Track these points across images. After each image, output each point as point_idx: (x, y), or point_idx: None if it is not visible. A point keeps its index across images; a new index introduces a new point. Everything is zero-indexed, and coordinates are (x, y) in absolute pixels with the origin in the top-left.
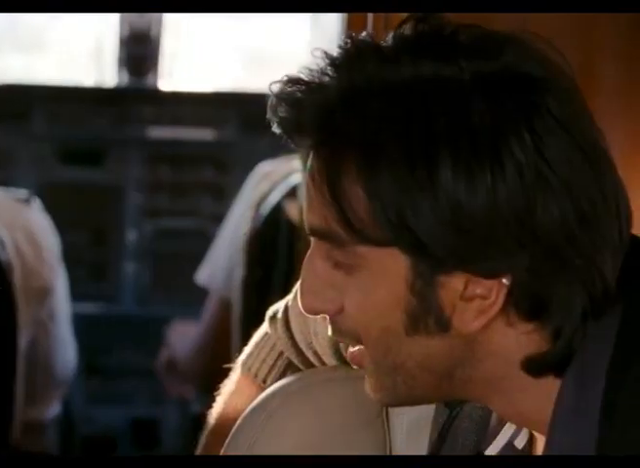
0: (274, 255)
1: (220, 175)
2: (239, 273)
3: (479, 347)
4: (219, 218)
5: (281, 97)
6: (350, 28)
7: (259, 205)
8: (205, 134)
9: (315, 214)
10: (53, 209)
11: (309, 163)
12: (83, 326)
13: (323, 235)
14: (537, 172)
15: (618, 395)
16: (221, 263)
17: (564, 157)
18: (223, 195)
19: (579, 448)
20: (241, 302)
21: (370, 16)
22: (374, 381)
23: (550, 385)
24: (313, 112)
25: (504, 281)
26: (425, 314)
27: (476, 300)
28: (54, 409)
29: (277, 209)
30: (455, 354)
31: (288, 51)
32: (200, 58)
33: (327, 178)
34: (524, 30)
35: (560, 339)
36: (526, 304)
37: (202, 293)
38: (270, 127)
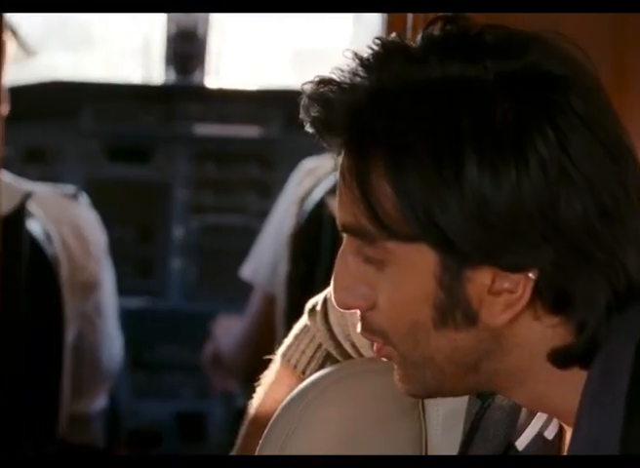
0: (317, 251)
1: (266, 172)
2: (283, 268)
3: (506, 341)
4: (264, 214)
5: (313, 97)
6: (391, 27)
7: (302, 201)
8: (251, 131)
9: (346, 211)
10: (101, 205)
11: (340, 162)
12: (130, 321)
13: (354, 231)
14: (560, 167)
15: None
16: (266, 258)
17: (586, 153)
18: (268, 191)
19: (603, 442)
20: (285, 297)
21: (410, 15)
22: (402, 373)
23: (575, 378)
24: (343, 112)
25: (531, 275)
26: (453, 308)
27: (504, 295)
28: (100, 403)
29: (320, 205)
30: (482, 347)
31: (332, 49)
32: (246, 56)
33: (356, 176)
34: (549, 30)
35: (584, 332)
36: (551, 298)
37: (247, 289)
38: None
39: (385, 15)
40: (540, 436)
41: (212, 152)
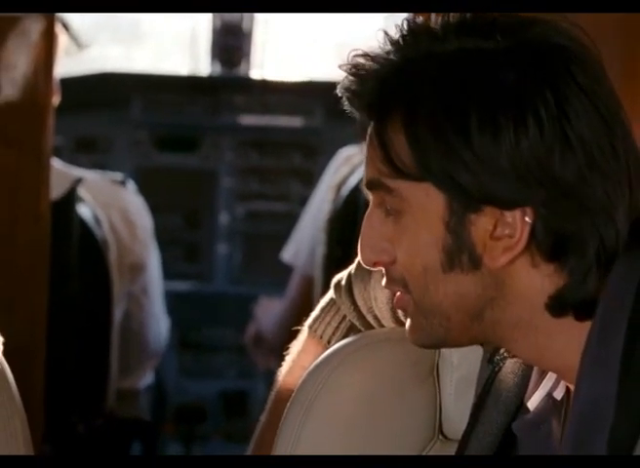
0: (353, 234)
1: (308, 161)
2: (321, 251)
3: (507, 289)
4: (306, 201)
5: (348, 71)
6: None
7: (339, 187)
8: (293, 121)
9: (370, 168)
10: (150, 192)
11: (369, 131)
12: (178, 303)
13: (376, 184)
14: (556, 126)
15: (635, 350)
16: (305, 242)
17: (582, 116)
18: (310, 179)
19: (601, 401)
20: (322, 279)
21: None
22: (413, 323)
23: (574, 333)
24: (370, 82)
25: (527, 219)
26: (460, 251)
27: (504, 239)
28: (147, 380)
29: (356, 190)
30: (486, 294)
31: (372, 42)
32: (289, 49)
33: (377, 132)
34: (561, 19)
35: (574, 277)
36: (546, 244)
37: (288, 272)
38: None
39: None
40: (549, 396)
41: (256, 141)
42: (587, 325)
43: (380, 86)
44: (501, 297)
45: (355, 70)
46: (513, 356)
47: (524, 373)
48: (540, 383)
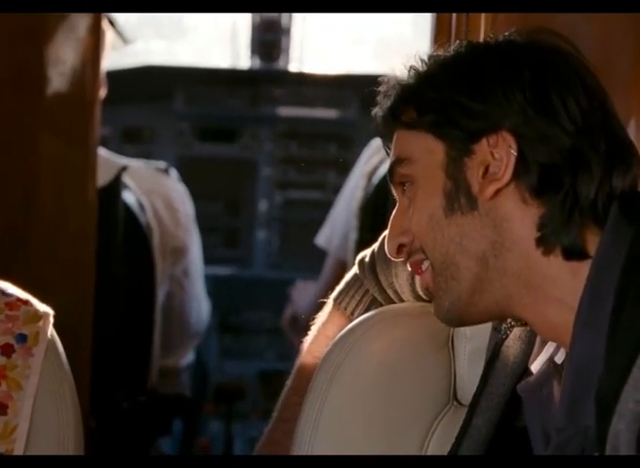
0: (383, 220)
1: (343, 151)
2: (353, 236)
3: (504, 229)
4: (340, 190)
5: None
6: (439, 23)
7: (370, 175)
8: (330, 113)
9: (394, 149)
10: (192, 181)
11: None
12: (218, 287)
13: (398, 160)
14: (544, 102)
15: (622, 313)
16: (338, 228)
17: (566, 91)
18: (346, 169)
19: (592, 359)
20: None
21: (454, 15)
22: (435, 289)
23: (569, 288)
24: (398, 91)
25: (512, 151)
26: (458, 193)
27: (494, 176)
28: (188, 359)
29: (386, 179)
30: (485, 234)
31: (403, 38)
32: (326, 44)
33: (392, 113)
34: (545, 29)
35: (557, 216)
36: (532, 178)
37: (324, 257)
38: None
39: (433, 16)
40: (550, 360)
41: (294, 132)
42: (581, 284)
43: (401, 89)
44: (500, 243)
45: (390, 81)
46: (519, 322)
47: (529, 340)
48: (543, 349)
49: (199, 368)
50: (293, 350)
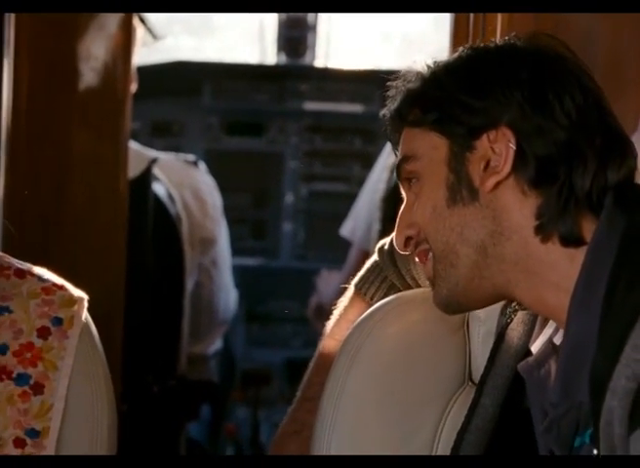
0: None
1: (368, 145)
2: (376, 227)
3: (503, 220)
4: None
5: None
6: (458, 23)
7: (393, 168)
8: (354, 107)
9: (401, 149)
10: (219, 174)
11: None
12: (246, 277)
13: (405, 157)
14: (541, 99)
15: (614, 296)
16: (361, 219)
17: (562, 89)
18: (370, 162)
19: (587, 338)
20: None
21: (471, 15)
22: (435, 277)
23: (565, 272)
24: (404, 93)
25: (511, 145)
26: (460, 185)
27: (494, 173)
28: (216, 346)
29: None
30: (485, 224)
31: (426, 34)
32: (350, 40)
33: (398, 113)
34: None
35: (553, 205)
36: (530, 170)
37: (348, 247)
38: None
39: (452, 15)
40: (549, 341)
41: (319, 126)
42: (577, 269)
43: (407, 92)
44: (499, 232)
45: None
46: (520, 305)
47: (532, 323)
48: (542, 331)
49: (227, 355)
50: (318, 338)
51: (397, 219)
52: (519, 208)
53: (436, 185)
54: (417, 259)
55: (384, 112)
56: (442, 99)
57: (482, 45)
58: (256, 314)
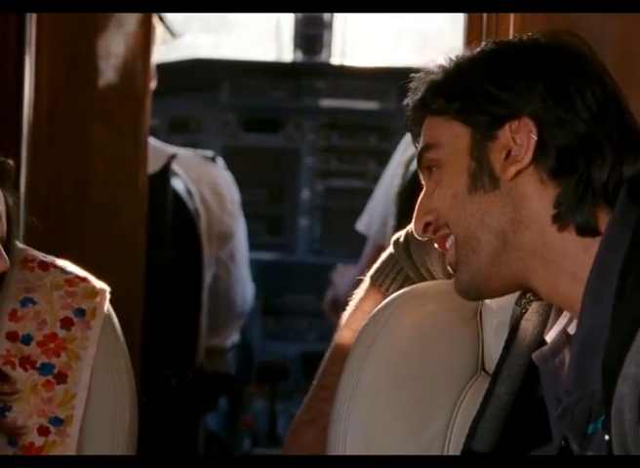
0: None
1: (383, 141)
2: (391, 222)
3: (523, 210)
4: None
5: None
6: (471, 22)
7: (408, 164)
8: (370, 104)
9: (423, 138)
10: (237, 170)
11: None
12: (262, 272)
13: (426, 144)
14: (562, 92)
15: (626, 287)
16: (377, 214)
17: (583, 84)
18: (385, 158)
19: (599, 328)
20: None
21: (484, 15)
22: (457, 262)
23: (580, 261)
24: (428, 83)
25: (533, 136)
26: (481, 173)
27: (515, 162)
28: (233, 339)
29: None
30: (505, 211)
31: (441, 32)
32: (366, 38)
33: (422, 103)
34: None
35: (571, 196)
36: (550, 161)
37: (364, 242)
38: None
39: (466, 14)
40: (564, 331)
41: (335, 123)
42: (591, 260)
43: (431, 82)
44: (519, 220)
45: (422, 78)
46: (537, 296)
47: (546, 314)
48: (557, 321)
49: (244, 348)
50: (333, 332)
51: (416, 206)
52: (538, 197)
53: (457, 173)
54: (435, 245)
55: (407, 102)
56: (466, 89)
57: (505, 40)
58: (272, 308)
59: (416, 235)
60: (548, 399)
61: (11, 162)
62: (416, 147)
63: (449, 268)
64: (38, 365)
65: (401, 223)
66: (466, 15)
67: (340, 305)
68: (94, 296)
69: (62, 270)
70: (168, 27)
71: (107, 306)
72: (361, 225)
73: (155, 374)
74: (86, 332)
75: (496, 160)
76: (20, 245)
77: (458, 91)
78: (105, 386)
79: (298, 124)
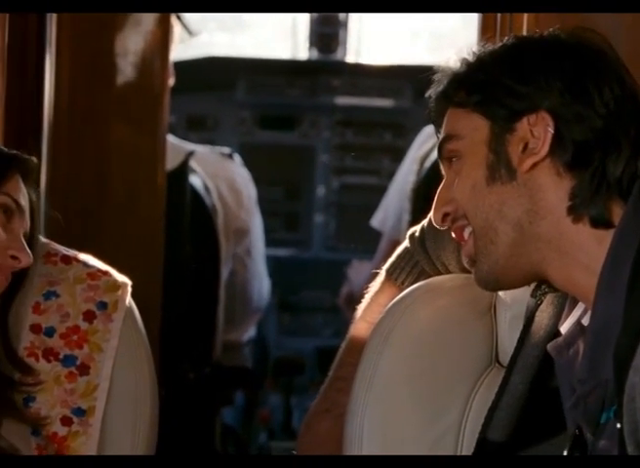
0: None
1: (398, 139)
2: (406, 218)
3: (540, 202)
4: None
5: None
6: (485, 22)
7: (423, 160)
8: (384, 102)
9: (444, 129)
10: (253, 167)
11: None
12: (278, 268)
13: (446, 136)
14: (581, 88)
15: (638, 279)
16: (392, 210)
17: (602, 81)
18: (400, 155)
19: (612, 317)
20: None
21: (499, 15)
22: (476, 253)
23: (594, 253)
24: (450, 76)
25: (550, 129)
26: (499, 165)
27: (531, 150)
28: (250, 333)
29: (437, 164)
30: (521, 202)
31: (454, 31)
32: (381, 36)
33: (444, 95)
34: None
35: (586, 188)
36: (567, 154)
37: (378, 238)
38: None
39: (481, 14)
40: (578, 322)
41: (350, 121)
42: (604, 252)
43: (453, 75)
44: (535, 211)
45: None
46: (551, 288)
47: (561, 305)
48: (571, 312)
49: (260, 344)
50: (349, 327)
51: (436, 196)
52: (554, 189)
53: (476, 164)
54: (453, 235)
55: (430, 94)
56: (486, 83)
57: (526, 35)
58: (288, 304)
59: (434, 224)
60: (563, 389)
61: (35, 159)
62: (437, 137)
63: (464, 262)
64: (61, 356)
65: (416, 219)
66: (481, 14)
67: (355, 301)
68: (115, 290)
69: (85, 264)
70: (185, 26)
71: (129, 299)
72: (376, 221)
73: (174, 368)
74: (108, 325)
75: (513, 152)
76: (42, 239)
77: (478, 84)
78: (127, 377)
79: (313, 121)
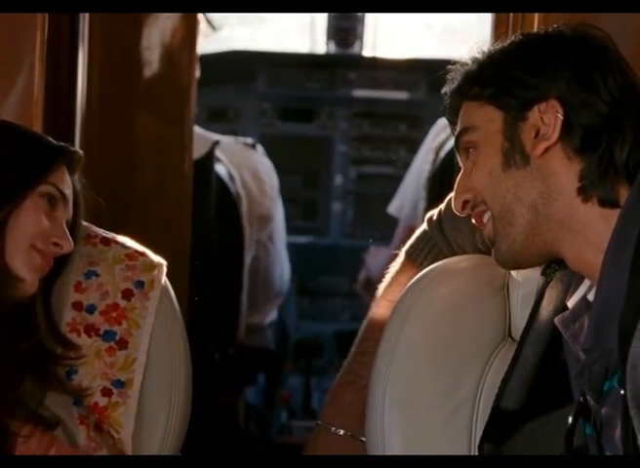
0: (449, 191)
1: (413, 130)
2: (422, 205)
3: (552, 184)
4: (410, 165)
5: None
6: (497, 20)
7: (438, 150)
8: (400, 94)
9: (460, 122)
10: (273, 157)
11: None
12: (298, 255)
13: (463, 128)
14: (587, 77)
15: None
16: (408, 197)
17: (605, 71)
18: (415, 146)
19: (616, 293)
20: None
21: (510, 15)
22: (495, 235)
23: (602, 232)
24: (464, 73)
25: (559, 115)
26: (513, 151)
27: (542, 136)
28: (271, 317)
29: (452, 153)
30: (535, 186)
31: (468, 25)
32: (397, 31)
33: (459, 90)
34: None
35: (594, 170)
36: (576, 138)
37: (394, 226)
38: None
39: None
40: (584, 298)
41: (367, 112)
42: (610, 230)
43: (466, 72)
44: (548, 193)
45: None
46: (560, 266)
47: (569, 282)
48: (578, 288)
49: (280, 327)
50: (366, 312)
51: (455, 185)
52: (565, 172)
53: (492, 152)
54: (473, 220)
55: (445, 91)
56: (498, 76)
57: (533, 32)
58: (307, 289)
59: (455, 212)
60: (570, 359)
61: (80, 151)
62: (453, 133)
63: (480, 245)
64: (101, 332)
65: (431, 206)
66: (493, 14)
67: (372, 286)
68: (152, 270)
69: (123, 245)
70: (209, 21)
71: (164, 279)
72: (393, 209)
73: (199, 350)
74: (145, 303)
75: (526, 139)
76: (83, 222)
77: (491, 78)
78: (163, 352)
79: (331, 113)
